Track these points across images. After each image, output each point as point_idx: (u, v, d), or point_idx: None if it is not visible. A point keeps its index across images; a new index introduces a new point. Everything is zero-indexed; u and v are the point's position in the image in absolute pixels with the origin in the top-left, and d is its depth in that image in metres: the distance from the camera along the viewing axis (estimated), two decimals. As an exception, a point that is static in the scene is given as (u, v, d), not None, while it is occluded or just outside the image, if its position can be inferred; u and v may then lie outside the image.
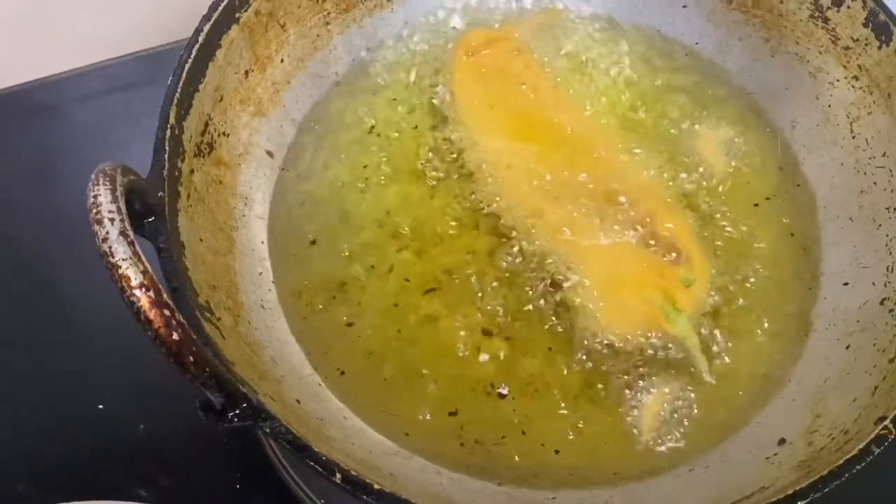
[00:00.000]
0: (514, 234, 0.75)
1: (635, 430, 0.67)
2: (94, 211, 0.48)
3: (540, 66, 0.85)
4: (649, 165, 0.79)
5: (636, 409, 0.68)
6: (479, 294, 0.72)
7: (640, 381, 0.69)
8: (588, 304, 0.70)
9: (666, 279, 0.71)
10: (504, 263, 0.73)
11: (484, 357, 0.70)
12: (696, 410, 0.69)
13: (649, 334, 0.70)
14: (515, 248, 0.74)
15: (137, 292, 0.46)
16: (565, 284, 0.71)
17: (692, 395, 0.69)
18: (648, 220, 0.74)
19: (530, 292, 0.72)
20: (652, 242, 0.73)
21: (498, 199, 0.76)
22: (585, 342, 0.70)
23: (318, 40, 0.82)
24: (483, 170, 0.78)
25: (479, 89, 0.82)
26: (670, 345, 0.70)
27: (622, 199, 0.75)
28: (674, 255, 0.73)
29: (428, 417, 0.68)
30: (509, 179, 0.77)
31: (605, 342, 0.70)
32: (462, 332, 0.71)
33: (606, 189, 0.76)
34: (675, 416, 0.68)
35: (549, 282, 0.72)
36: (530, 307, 0.72)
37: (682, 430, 0.68)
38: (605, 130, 0.82)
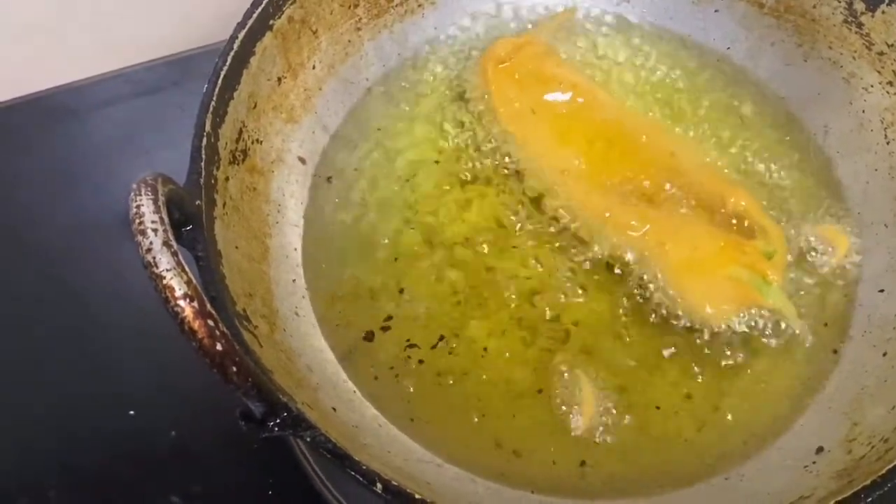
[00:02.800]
0: (583, 237, 0.75)
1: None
2: (137, 221, 0.48)
3: (570, 66, 0.84)
4: (701, 150, 0.80)
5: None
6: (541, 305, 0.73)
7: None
8: (676, 293, 0.71)
9: (748, 255, 0.71)
10: (568, 272, 0.74)
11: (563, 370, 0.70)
12: (729, 417, 0.68)
13: (745, 312, 0.70)
14: (589, 254, 0.74)
15: (182, 303, 0.46)
16: (650, 281, 0.72)
17: (726, 401, 0.69)
18: (716, 200, 0.74)
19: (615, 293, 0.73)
20: (724, 221, 0.74)
21: (561, 207, 0.76)
22: (681, 327, 0.71)
23: (350, 46, 0.82)
24: (538, 176, 0.78)
25: (517, 95, 0.81)
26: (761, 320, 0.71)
27: (685, 184, 0.76)
28: (750, 229, 0.73)
29: (461, 423, 0.68)
30: (567, 183, 0.77)
31: (700, 327, 0.70)
32: (512, 343, 0.71)
33: (667, 178, 0.76)
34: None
35: (633, 281, 0.73)
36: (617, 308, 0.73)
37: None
38: (649, 122, 0.82)
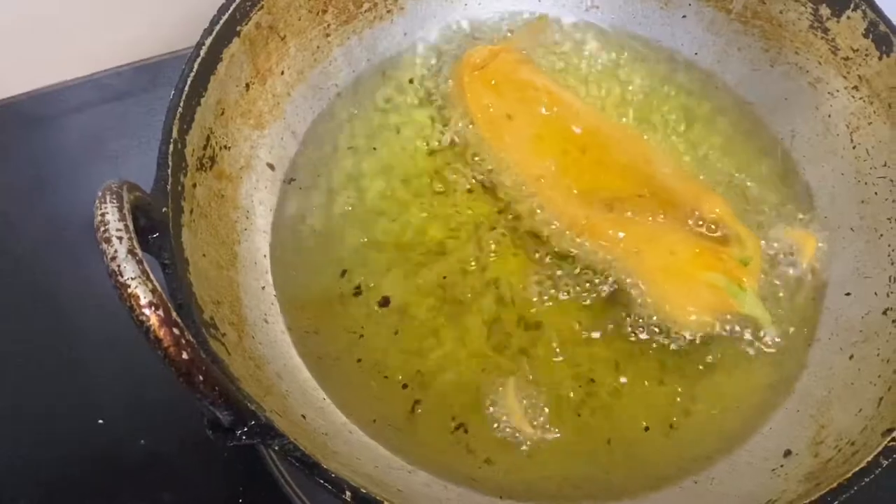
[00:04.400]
0: (559, 244, 0.75)
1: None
2: (102, 229, 0.48)
3: (545, 73, 0.85)
4: (675, 157, 0.81)
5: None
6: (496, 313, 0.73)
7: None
8: (652, 299, 0.71)
9: (724, 261, 0.71)
10: (542, 280, 0.75)
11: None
12: (699, 420, 0.69)
13: (719, 317, 0.71)
14: (566, 261, 0.75)
15: (147, 311, 0.45)
16: (625, 287, 0.73)
17: (696, 405, 0.69)
18: (691, 206, 0.75)
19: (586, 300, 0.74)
20: (700, 228, 0.74)
21: (536, 214, 0.77)
22: (654, 335, 0.72)
23: (319, 52, 0.82)
24: (513, 182, 0.78)
25: (493, 101, 0.81)
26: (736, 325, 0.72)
27: (660, 191, 0.76)
28: (724, 236, 0.74)
29: (434, 431, 0.68)
30: (542, 191, 0.77)
31: (674, 332, 0.71)
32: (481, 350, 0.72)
33: (642, 185, 0.77)
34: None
35: (605, 285, 0.73)
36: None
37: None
38: (624, 129, 0.83)
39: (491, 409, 0.68)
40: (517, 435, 0.67)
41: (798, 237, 0.76)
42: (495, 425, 0.67)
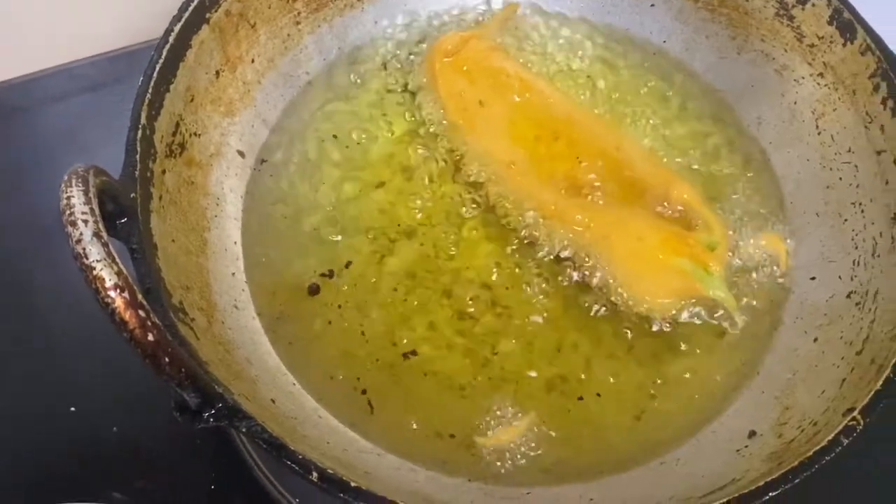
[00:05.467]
0: (528, 235, 0.76)
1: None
2: (68, 213, 0.48)
3: (516, 60, 0.85)
4: (643, 145, 0.82)
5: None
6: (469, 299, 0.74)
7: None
8: (620, 285, 0.72)
9: (691, 246, 0.72)
10: (516, 268, 0.75)
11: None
12: (666, 403, 0.70)
13: (686, 301, 0.72)
14: (535, 247, 0.75)
15: (112, 294, 0.45)
16: (594, 273, 0.73)
17: (664, 388, 0.70)
18: (660, 192, 0.76)
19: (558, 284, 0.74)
20: (668, 213, 0.75)
21: (506, 200, 0.77)
22: (622, 320, 0.73)
23: (289, 40, 0.82)
24: (484, 169, 0.79)
25: (465, 87, 0.82)
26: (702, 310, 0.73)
27: (629, 177, 0.77)
28: (692, 222, 0.74)
29: (403, 415, 0.68)
30: (514, 176, 0.77)
31: (642, 317, 0.72)
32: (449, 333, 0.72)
33: (612, 171, 0.77)
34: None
35: (575, 271, 0.74)
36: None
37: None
38: (594, 116, 0.83)
39: (461, 394, 0.69)
40: (487, 419, 0.68)
41: (765, 233, 0.77)
42: (465, 411, 0.68)
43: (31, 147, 1.01)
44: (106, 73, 1.07)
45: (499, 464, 0.66)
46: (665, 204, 0.75)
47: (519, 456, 0.67)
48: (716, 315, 0.73)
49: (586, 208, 0.75)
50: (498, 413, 0.68)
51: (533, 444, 0.67)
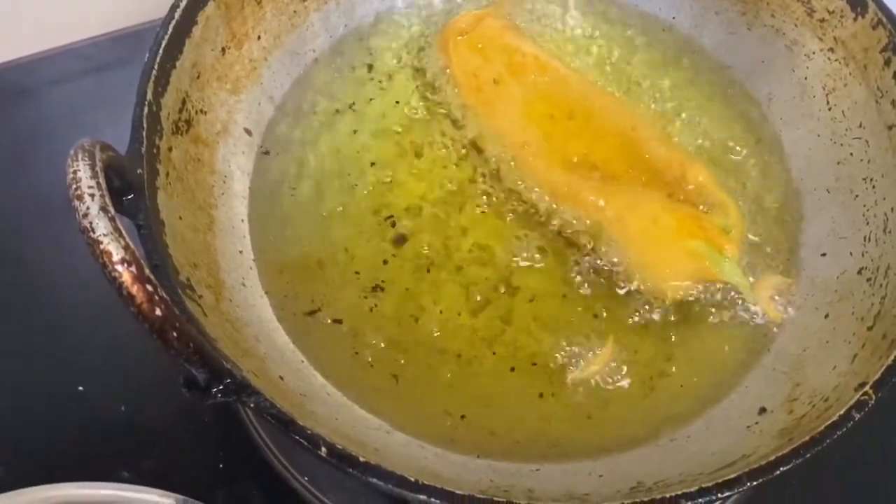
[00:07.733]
0: (542, 215, 0.75)
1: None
2: (74, 186, 0.48)
3: (531, 38, 0.85)
4: (659, 125, 0.81)
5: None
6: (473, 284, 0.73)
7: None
8: (633, 266, 0.72)
9: (706, 229, 0.71)
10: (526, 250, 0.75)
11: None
12: (677, 381, 0.70)
13: (700, 284, 0.71)
14: (548, 227, 0.75)
15: (119, 268, 0.45)
16: (607, 254, 0.73)
17: (675, 366, 0.70)
18: (675, 174, 0.75)
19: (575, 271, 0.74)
20: (683, 196, 0.75)
21: (519, 179, 0.77)
22: (634, 301, 0.72)
23: (296, 17, 0.82)
24: (498, 149, 0.78)
25: (480, 66, 0.81)
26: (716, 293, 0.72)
27: (644, 159, 0.77)
28: (708, 204, 0.74)
29: (414, 392, 0.68)
30: (527, 157, 0.77)
31: (655, 298, 0.72)
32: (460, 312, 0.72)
33: (627, 152, 0.77)
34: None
35: (587, 254, 0.74)
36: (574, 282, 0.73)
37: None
38: (609, 96, 0.83)
39: (471, 372, 0.69)
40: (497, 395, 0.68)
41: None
42: (476, 387, 0.68)
43: (35, 128, 1.01)
44: (110, 54, 1.07)
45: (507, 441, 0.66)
46: (680, 186, 0.75)
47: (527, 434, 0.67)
48: (728, 297, 0.72)
49: (600, 190, 0.74)
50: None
51: (541, 420, 0.67)
